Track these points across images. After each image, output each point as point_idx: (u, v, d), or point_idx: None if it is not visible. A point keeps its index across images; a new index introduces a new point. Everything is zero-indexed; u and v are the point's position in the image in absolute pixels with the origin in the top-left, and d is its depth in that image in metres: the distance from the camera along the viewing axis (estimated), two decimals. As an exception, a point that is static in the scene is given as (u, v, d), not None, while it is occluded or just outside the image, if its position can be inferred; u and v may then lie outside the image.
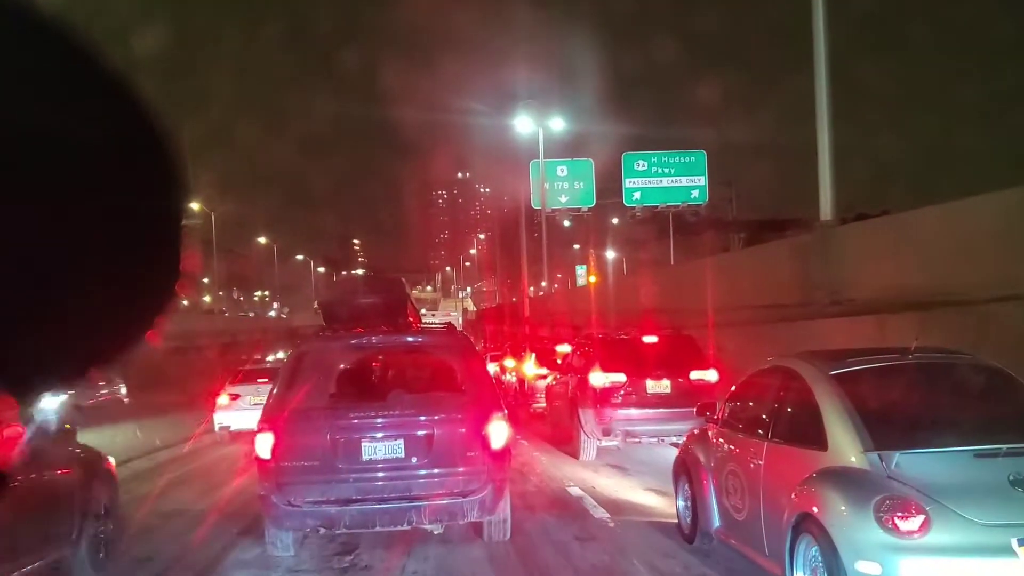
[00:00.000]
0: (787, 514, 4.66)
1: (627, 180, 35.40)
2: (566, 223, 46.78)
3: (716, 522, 6.03)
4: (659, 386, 10.78)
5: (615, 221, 57.10)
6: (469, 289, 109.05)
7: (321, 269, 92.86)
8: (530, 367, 16.91)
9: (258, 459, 6.20)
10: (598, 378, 10.91)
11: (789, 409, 5.34)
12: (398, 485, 6.17)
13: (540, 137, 30.14)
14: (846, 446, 4.51)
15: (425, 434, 6.22)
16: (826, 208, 12.30)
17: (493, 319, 50.27)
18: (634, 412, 10.70)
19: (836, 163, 12.27)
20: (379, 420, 6.30)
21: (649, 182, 35.34)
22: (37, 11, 0.83)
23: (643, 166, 35.36)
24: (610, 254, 54.32)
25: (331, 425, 6.24)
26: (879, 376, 5.10)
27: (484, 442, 6.23)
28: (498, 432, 6.25)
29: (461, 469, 6.22)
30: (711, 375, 10.83)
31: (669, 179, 35.29)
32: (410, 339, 7.48)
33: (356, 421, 6.32)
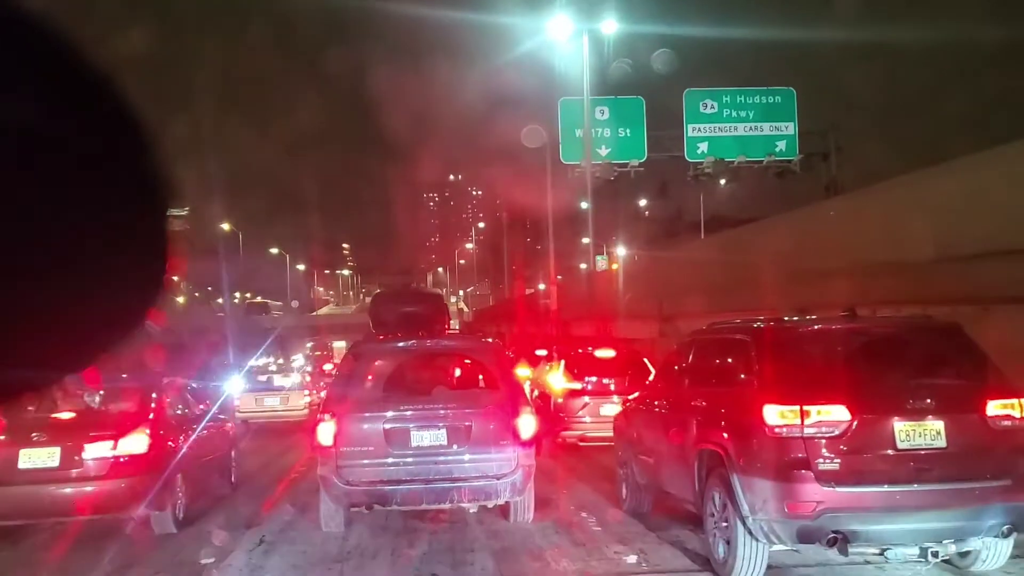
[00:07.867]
0: None
1: (690, 127, 26.40)
2: (584, 205, 38.31)
3: None
4: (922, 432, 4.97)
5: (643, 203, 48.55)
6: (462, 292, 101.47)
7: (300, 267, 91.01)
8: (558, 379, 13.18)
9: (319, 445, 7.03)
10: (779, 415, 5.08)
11: None
12: (441, 468, 7.02)
13: (584, 45, 20.78)
14: None
15: (465, 424, 7.13)
16: None
17: (493, 320, 44.74)
18: (877, 489, 4.98)
19: None
20: (425, 412, 7.20)
21: (720, 129, 26.30)
22: (22, 12, 0.82)
23: (712, 107, 26.35)
24: (620, 250, 45.55)
25: (384, 416, 7.12)
26: None
27: (515, 432, 7.07)
28: (527, 424, 7.10)
29: (495, 455, 7.07)
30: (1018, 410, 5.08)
31: (746, 125, 26.28)
32: (451, 343, 9.06)
33: (406, 413, 7.19)
